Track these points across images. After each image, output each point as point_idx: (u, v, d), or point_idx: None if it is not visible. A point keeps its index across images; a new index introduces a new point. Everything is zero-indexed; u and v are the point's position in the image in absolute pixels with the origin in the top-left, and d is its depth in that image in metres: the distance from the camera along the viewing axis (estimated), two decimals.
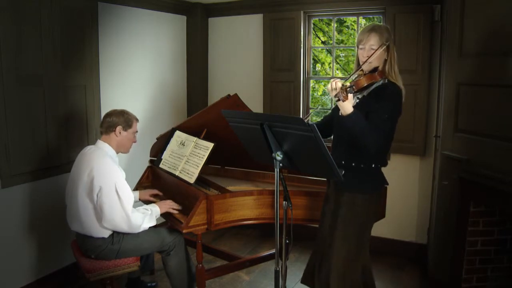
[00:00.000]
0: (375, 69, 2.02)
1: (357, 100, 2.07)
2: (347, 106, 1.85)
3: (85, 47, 3.08)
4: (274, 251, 2.02)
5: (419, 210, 3.52)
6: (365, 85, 1.97)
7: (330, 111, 2.33)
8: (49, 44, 2.80)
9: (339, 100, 1.81)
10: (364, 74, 2.02)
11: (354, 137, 1.92)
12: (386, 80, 2.03)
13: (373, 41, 1.99)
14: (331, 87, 1.86)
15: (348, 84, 1.86)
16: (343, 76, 7.39)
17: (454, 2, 2.49)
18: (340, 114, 1.91)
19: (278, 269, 1.92)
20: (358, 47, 2.07)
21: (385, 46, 1.98)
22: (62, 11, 2.87)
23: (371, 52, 1.99)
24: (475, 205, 2.42)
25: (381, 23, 1.95)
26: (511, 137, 2.11)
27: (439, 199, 2.82)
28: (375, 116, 1.94)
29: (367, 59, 1.99)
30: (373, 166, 2.07)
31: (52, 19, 2.80)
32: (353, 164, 2.06)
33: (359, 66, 2.08)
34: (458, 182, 2.45)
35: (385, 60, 2.04)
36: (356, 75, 2.07)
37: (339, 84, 1.83)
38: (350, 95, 1.84)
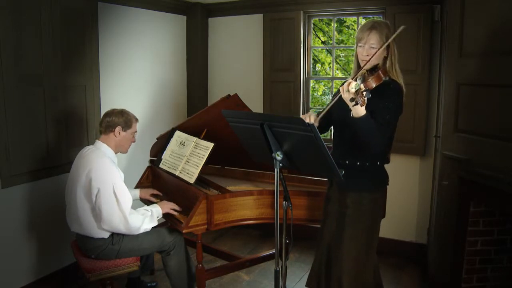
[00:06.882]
0: (375, 67, 1.98)
1: None
2: (362, 109, 1.80)
3: (85, 47, 3.08)
4: (274, 251, 2.02)
5: (419, 210, 3.52)
6: (374, 86, 1.89)
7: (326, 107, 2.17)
8: (49, 44, 2.80)
9: (356, 104, 1.76)
10: (369, 74, 1.95)
11: (361, 138, 1.89)
12: (387, 77, 1.98)
13: (373, 40, 1.95)
14: (344, 89, 1.78)
15: (363, 87, 1.77)
16: (344, 76, 7.38)
17: (454, 2, 2.49)
18: (351, 115, 1.85)
19: (278, 269, 1.92)
20: (357, 44, 2.02)
21: (386, 45, 1.92)
22: (62, 11, 2.87)
23: (371, 51, 1.95)
24: (475, 205, 2.41)
25: (381, 19, 1.86)
26: (511, 137, 2.11)
27: (439, 199, 2.81)
28: (378, 116, 1.92)
29: (369, 59, 1.94)
30: (378, 164, 2.06)
31: (52, 19, 2.80)
32: (358, 163, 2.04)
33: (358, 64, 2.04)
34: (458, 182, 2.45)
35: (385, 58, 2.00)
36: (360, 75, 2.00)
37: (353, 88, 1.74)
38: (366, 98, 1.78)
